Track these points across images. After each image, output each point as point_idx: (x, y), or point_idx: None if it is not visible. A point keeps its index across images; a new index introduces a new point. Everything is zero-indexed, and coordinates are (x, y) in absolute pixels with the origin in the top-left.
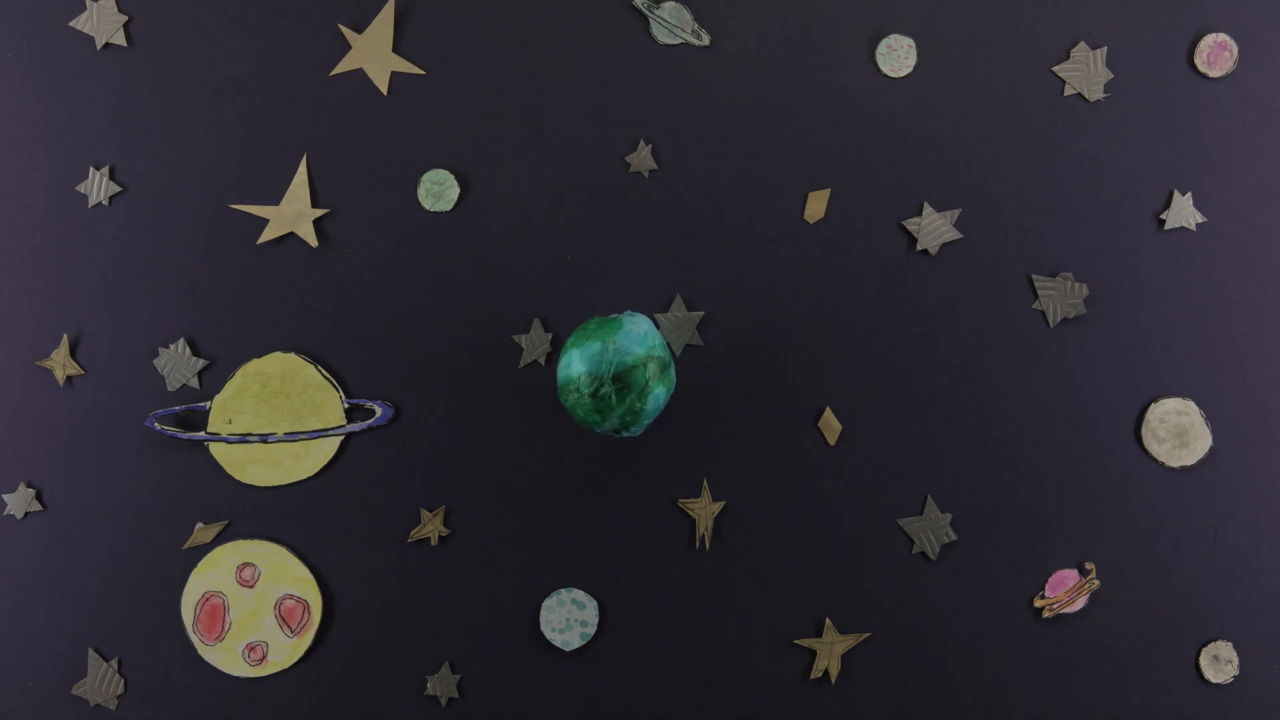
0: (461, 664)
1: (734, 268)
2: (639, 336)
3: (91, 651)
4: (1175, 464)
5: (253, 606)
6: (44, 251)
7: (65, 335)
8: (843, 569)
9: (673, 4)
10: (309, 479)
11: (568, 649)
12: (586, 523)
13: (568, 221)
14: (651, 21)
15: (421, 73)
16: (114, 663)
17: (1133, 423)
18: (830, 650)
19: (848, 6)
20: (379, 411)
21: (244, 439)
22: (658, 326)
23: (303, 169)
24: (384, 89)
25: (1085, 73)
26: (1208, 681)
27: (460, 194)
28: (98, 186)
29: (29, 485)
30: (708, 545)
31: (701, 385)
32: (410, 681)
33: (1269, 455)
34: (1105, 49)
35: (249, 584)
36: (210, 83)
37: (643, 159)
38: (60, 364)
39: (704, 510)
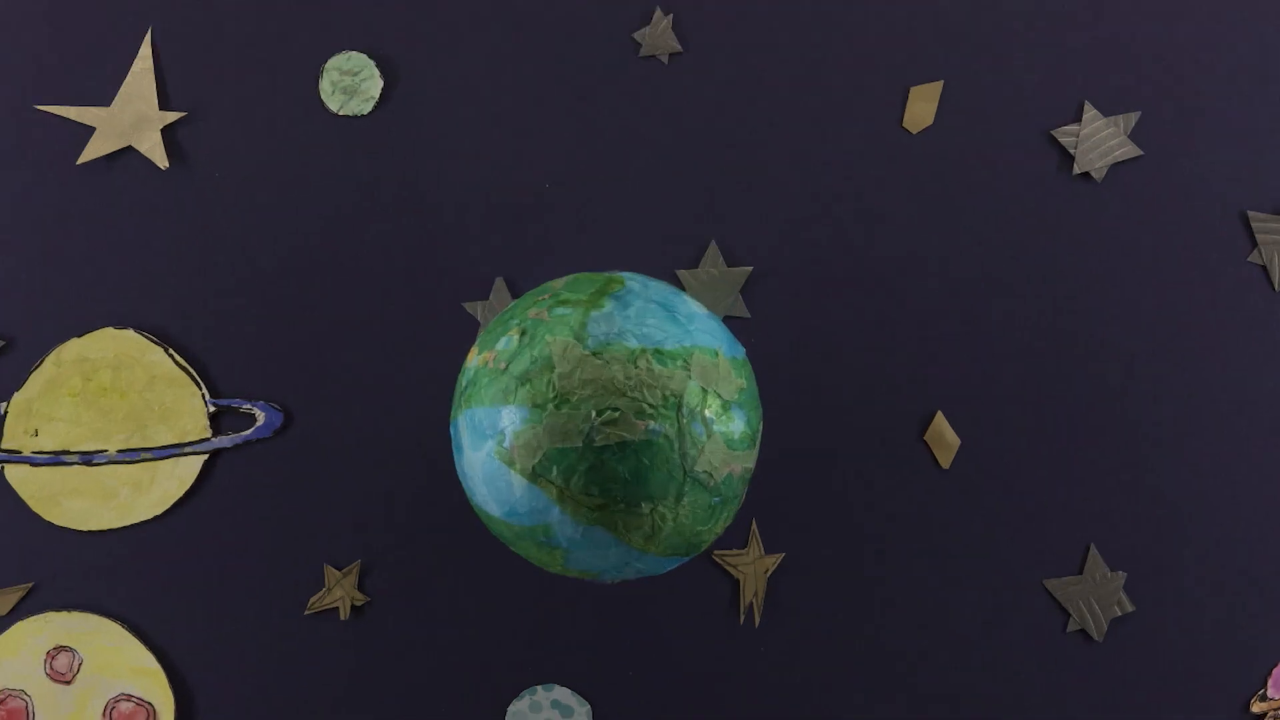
0: None
1: (795, 202)
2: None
3: None
4: None
5: (71, 711)
6: None
7: None
8: (965, 654)
9: None
10: (155, 519)
11: None
12: (573, 584)
13: (547, 132)
14: None
15: None
16: None
17: None
18: None
19: None
20: (261, 418)
21: (57, 459)
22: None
23: (145, 51)
24: None
25: None
26: None
27: (384, 89)
28: None
29: None
30: (758, 617)
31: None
32: None
33: None
34: None
35: (65, 678)
36: None
37: (660, 37)
38: None
39: (752, 568)
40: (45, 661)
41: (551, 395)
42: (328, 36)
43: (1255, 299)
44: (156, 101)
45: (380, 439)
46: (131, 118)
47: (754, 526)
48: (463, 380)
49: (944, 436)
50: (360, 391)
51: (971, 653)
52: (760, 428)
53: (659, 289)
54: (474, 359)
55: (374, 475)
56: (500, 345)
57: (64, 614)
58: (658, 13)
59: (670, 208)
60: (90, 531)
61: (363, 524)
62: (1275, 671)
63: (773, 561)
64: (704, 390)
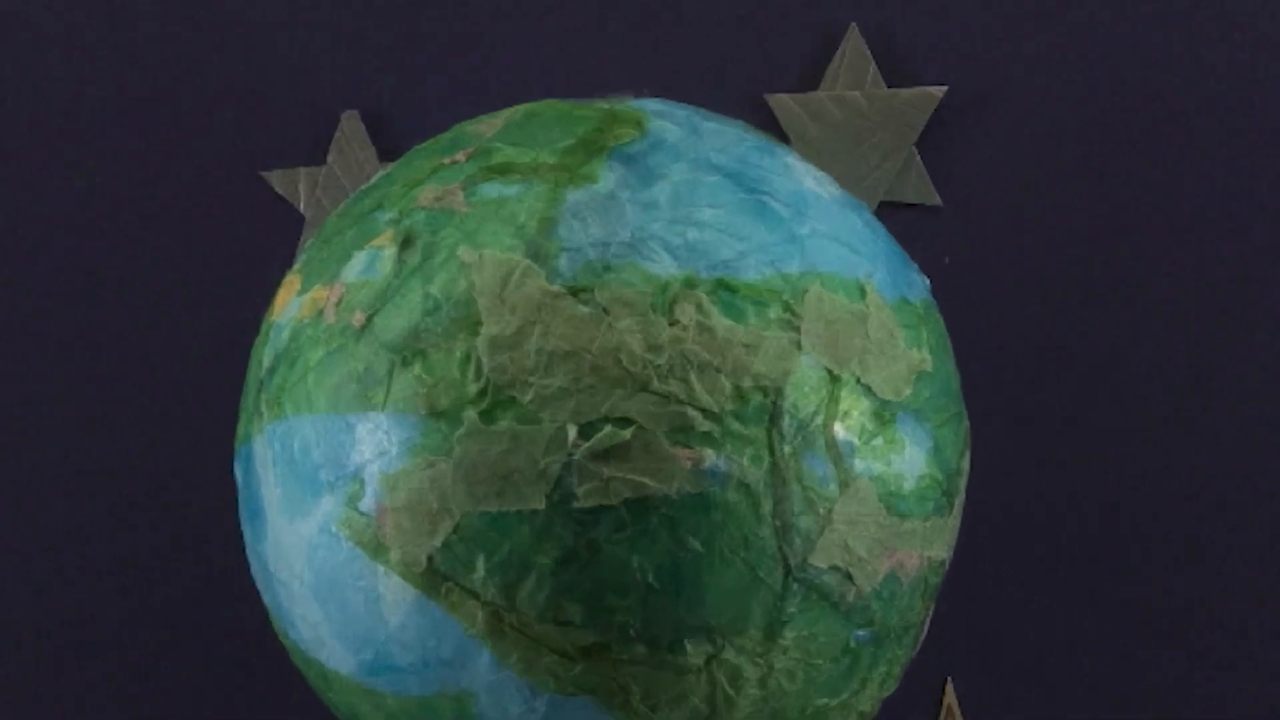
0: None
1: None
2: None
3: None
4: None
5: None
6: None
7: None
8: None
9: None
10: None
11: None
12: None
13: None
14: None
15: None
16: None
17: None
18: None
19: None
20: None
21: None
22: None
23: None
24: None
25: None
26: None
27: None
28: None
29: None
30: None
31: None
32: None
33: None
34: None
35: None
36: None
37: None
38: None
39: None
40: None
41: (475, 388)
42: None
43: None
44: None
45: (74, 491)
46: None
47: (949, 696)
48: (265, 354)
49: None
50: (37, 382)
51: None
52: (965, 465)
53: (724, 139)
54: (291, 305)
55: (63, 573)
56: (353, 271)
57: None
58: None
59: None
60: None
61: (41, 683)
62: None
63: None
64: (833, 376)
